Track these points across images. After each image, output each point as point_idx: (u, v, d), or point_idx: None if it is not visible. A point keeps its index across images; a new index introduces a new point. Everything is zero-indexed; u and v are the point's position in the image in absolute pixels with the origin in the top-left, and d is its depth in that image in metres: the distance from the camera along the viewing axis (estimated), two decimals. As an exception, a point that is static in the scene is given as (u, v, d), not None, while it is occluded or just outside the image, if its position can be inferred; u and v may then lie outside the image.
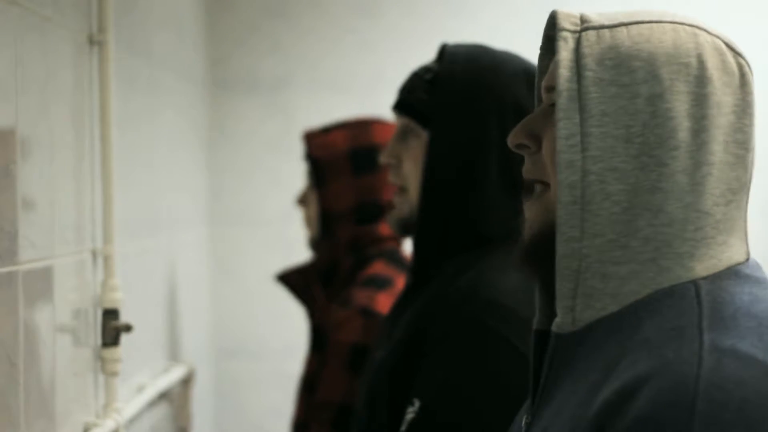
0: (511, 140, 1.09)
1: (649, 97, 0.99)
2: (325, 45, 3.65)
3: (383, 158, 1.74)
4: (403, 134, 1.70)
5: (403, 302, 1.70)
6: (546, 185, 1.07)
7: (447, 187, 1.62)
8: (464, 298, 1.54)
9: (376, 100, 3.42)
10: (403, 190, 1.72)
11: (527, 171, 1.09)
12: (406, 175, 1.70)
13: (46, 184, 1.73)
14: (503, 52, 1.67)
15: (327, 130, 2.44)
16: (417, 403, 1.50)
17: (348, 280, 2.35)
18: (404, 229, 1.74)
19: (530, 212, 1.09)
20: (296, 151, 3.58)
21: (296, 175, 3.46)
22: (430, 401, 1.49)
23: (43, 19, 1.73)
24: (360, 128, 2.36)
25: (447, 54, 1.65)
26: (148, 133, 2.55)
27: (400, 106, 1.71)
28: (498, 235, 1.61)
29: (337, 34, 3.64)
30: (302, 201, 2.52)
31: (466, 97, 1.61)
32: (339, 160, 2.36)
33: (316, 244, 2.45)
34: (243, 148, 3.65)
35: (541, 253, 1.06)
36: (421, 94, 1.67)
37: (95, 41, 1.99)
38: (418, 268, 1.67)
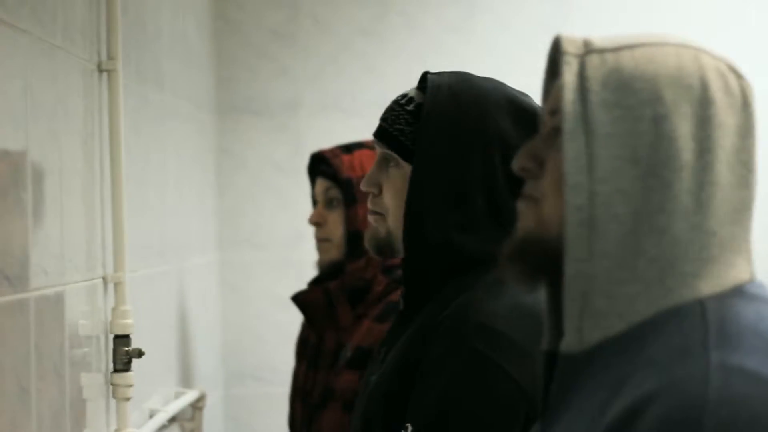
0: (516, 164, 1.10)
1: (653, 118, 1.00)
2: (331, 68, 3.66)
3: (364, 186, 1.70)
4: (384, 163, 1.68)
5: (396, 327, 1.70)
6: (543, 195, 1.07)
7: (432, 219, 1.61)
8: (456, 323, 1.53)
9: (384, 123, 3.43)
10: (380, 215, 1.70)
11: (530, 190, 1.09)
12: (386, 205, 1.68)
13: (57, 210, 1.75)
14: (485, 80, 1.66)
15: (347, 150, 2.43)
16: (410, 428, 1.51)
17: (378, 301, 2.34)
18: (380, 250, 1.71)
19: (523, 212, 1.08)
20: (305, 174, 3.58)
21: (305, 197, 3.46)
22: (422, 426, 1.50)
23: (52, 47, 1.74)
24: None
25: (430, 85, 1.64)
26: (157, 158, 2.57)
27: (381, 136, 1.69)
28: (489, 259, 1.60)
29: (343, 57, 3.66)
30: (319, 221, 2.48)
31: (449, 131, 1.60)
32: None
33: (338, 262, 2.42)
34: (252, 172, 3.66)
35: (532, 257, 1.06)
36: (404, 126, 1.65)
37: (104, 68, 2.00)
38: (410, 294, 1.66)
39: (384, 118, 1.70)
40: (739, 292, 1.00)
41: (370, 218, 1.71)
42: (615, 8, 3.64)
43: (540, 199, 1.06)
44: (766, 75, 3.61)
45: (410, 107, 1.66)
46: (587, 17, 3.62)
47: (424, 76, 1.68)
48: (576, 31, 3.52)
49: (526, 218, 1.08)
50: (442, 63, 3.63)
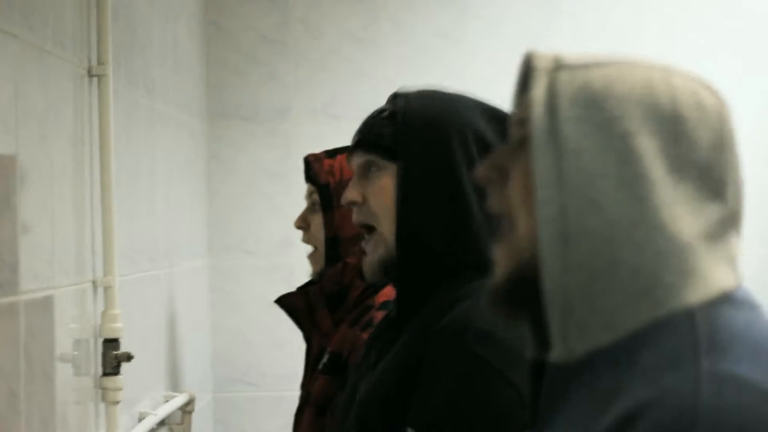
0: (479, 173, 1.10)
1: (622, 135, 1.01)
2: (321, 73, 3.67)
3: (348, 198, 1.68)
4: (365, 171, 1.68)
5: (388, 333, 1.69)
6: (513, 221, 1.07)
7: (427, 212, 1.62)
8: (457, 328, 1.54)
9: (374, 128, 3.45)
10: (370, 229, 1.68)
11: (493, 204, 1.10)
12: (374, 211, 1.67)
13: (47, 215, 1.75)
14: (454, 90, 1.72)
15: (332, 155, 2.44)
16: None
17: (355, 306, 2.35)
18: (385, 270, 1.68)
19: (499, 255, 1.09)
20: (295, 180, 3.59)
21: (295, 203, 3.47)
22: (422, 429, 1.50)
23: (42, 52, 1.75)
24: None
25: (400, 94, 1.68)
26: (147, 163, 2.57)
27: (359, 146, 1.69)
28: (487, 264, 1.61)
29: (333, 63, 3.67)
30: (301, 225, 2.50)
31: (427, 124, 1.64)
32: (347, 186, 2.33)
33: (321, 268, 2.43)
34: (241, 177, 3.67)
35: (518, 295, 1.06)
36: (382, 129, 1.68)
37: (94, 73, 2.01)
38: (404, 299, 1.66)
39: (359, 131, 1.71)
40: (726, 299, 1.00)
41: (365, 245, 1.67)
42: (603, 14, 3.66)
43: (511, 221, 1.06)
44: (763, 74, 3.64)
45: (384, 114, 1.68)
46: (575, 23, 3.64)
47: (395, 93, 1.72)
48: (565, 36, 3.52)
49: (501, 258, 1.08)
50: (432, 68, 3.65)
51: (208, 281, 3.59)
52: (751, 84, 3.63)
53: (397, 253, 1.63)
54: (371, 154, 1.67)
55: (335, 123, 3.63)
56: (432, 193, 1.62)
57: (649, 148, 1.01)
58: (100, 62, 2.03)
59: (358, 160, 1.70)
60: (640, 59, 1.06)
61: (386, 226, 1.64)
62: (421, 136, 1.63)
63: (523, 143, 1.06)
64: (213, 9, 3.64)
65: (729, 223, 1.04)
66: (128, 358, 2.01)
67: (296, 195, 3.51)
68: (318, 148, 2.62)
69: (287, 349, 3.56)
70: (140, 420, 2.35)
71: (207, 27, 3.63)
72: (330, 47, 3.67)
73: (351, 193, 1.68)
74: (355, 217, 1.68)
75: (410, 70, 3.61)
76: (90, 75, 2.01)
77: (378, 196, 1.66)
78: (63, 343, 1.81)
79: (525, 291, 1.05)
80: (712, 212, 1.02)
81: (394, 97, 1.72)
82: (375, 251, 1.66)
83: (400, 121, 1.65)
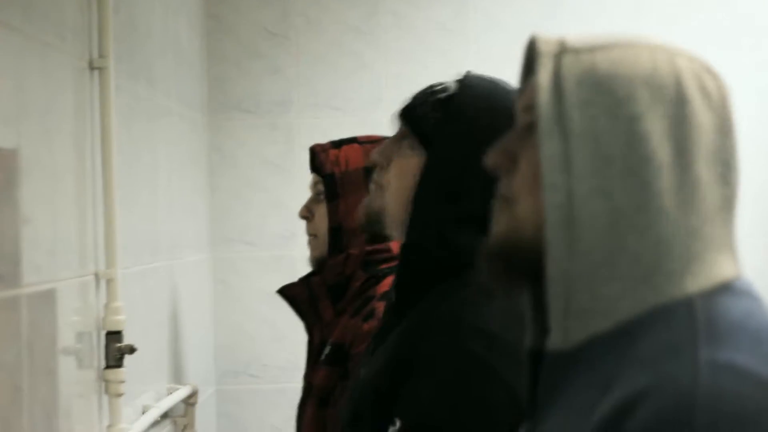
0: (488, 160, 1.10)
1: (629, 118, 1.01)
2: (322, 66, 3.67)
3: (374, 155, 1.70)
4: (399, 140, 1.68)
5: (388, 324, 1.70)
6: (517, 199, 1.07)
7: (437, 210, 1.61)
8: (449, 323, 1.54)
9: (375, 121, 3.45)
10: (382, 188, 1.70)
11: (504, 188, 1.10)
12: (389, 178, 1.68)
13: (49, 208, 1.76)
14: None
15: (338, 145, 2.44)
16: (398, 423, 1.51)
17: (357, 296, 2.36)
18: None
19: (497, 216, 1.09)
20: (297, 172, 3.60)
21: (297, 196, 3.47)
22: (411, 422, 1.50)
23: (44, 45, 1.75)
24: (374, 145, 2.35)
25: (467, 83, 1.63)
26: (148, 156, 2.58)
27: (406, 115, 1.67)
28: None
29: (334, 56, 3.67)
30: (306, 215, 2.50)
31: (473, 133, 1.61)
32: (354, 176, 2.35)
33: (323, 258, 2.44)
34: (243, 170, 3.67)
35: (509, 262, 1.06)
36: (430, 113, 1.65)
37: (96, 66, 2.01)
38: (402, 290, 1.67)
39: (415, 97, 1.68)
40: (726, 288, 1.01)
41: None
42: (605, 6, 3.66)
43: (514, 200, 1.07)
44: (763, 70, 3.64)
45: (441, 95, 1.65)
46: (577, 15, 3.63)
47: (465, 76, 1.67)
48: (566, 29, 3.52)
49: (500, 221, 1.08)
50: (433, 61, 3.66)
51: (210, 274, 3.60)
52: (751, 80, 3.63)
53: (401, 256, 1.64)
54: (410, 128, 1.66)
55: (336, 116, 3.64)
56: (448, 196, 1.61)
57: (655, 132, 1.01)
58: (102, 55, 2.03)
59: (398, 127, 1.69)
60: (643, 39, 1.06)
61: (391, 197, 1.65)
62: (461, 142, 1.61)
63: (531, 129, 1.06)
64: (214, 2, 3.64)
65: (731, 208, 1.04)
66: (131, 350, 2.02)
67: (298, 187, 3.51)
68: (319, 141, 2.62)
69: (289, 341, 3.56)
70: (143, 412, 2.36)
71: (208, 20, 3.63)
72: (331, 40, 3.67)
73: (379, 154, 1.69)
74: (376, 176, 1.70)
75: (411, 63, 3.61)
76: (91, 68, 2.01)
77: (397, 169, 1.66)
78: (65, 336, 1.82)
79: (518, 264, 1.05)
80: (719, 197, 1.02)
81: (461, 81, 1.67)
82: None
83: (448, 117, 1.62)
